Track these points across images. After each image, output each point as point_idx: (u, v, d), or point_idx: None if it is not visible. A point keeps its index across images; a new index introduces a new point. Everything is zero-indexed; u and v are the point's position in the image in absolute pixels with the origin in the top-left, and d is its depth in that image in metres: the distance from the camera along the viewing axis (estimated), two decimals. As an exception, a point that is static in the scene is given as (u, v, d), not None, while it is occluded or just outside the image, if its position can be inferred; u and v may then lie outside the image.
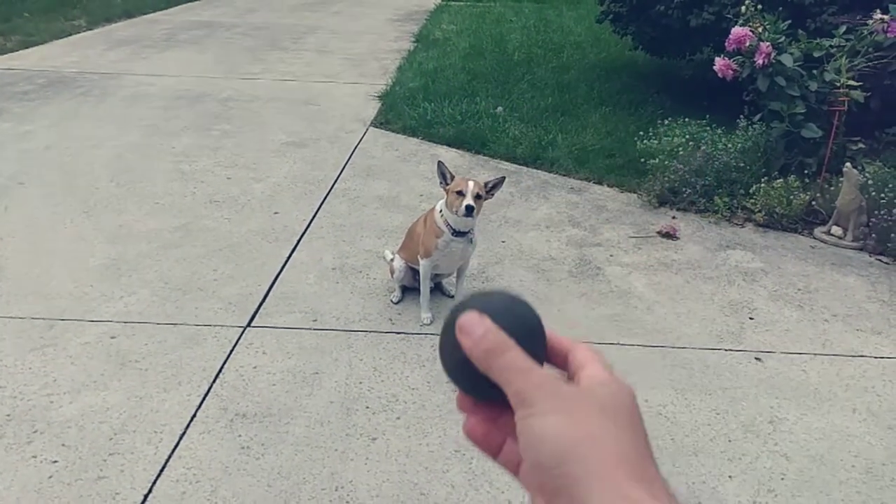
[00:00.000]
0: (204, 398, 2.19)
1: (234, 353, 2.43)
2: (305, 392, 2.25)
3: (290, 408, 2.17)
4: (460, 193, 2.48)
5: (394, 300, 2.82)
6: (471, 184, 2.49)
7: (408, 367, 2.41)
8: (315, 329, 2.60)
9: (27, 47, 7.19)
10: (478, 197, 2.49)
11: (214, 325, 2.58)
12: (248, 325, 2.60)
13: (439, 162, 2.58)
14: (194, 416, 2.11)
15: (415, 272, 2.76)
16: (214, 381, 2.28)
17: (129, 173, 4.02)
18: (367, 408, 2.19)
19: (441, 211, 2.58)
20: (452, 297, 2.86)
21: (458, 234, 2.57)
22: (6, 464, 1.90)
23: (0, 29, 7.94)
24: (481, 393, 0.42)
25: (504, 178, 2.65)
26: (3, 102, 5.27)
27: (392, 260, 2.86)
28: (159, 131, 4.75)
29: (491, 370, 0.39)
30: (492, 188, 2.57)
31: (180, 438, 2.02)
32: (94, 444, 1.98)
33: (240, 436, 2.05)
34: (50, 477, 1.86)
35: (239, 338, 2.52)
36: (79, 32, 8.14)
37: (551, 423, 0.35)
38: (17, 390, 2.19)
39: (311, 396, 2.23)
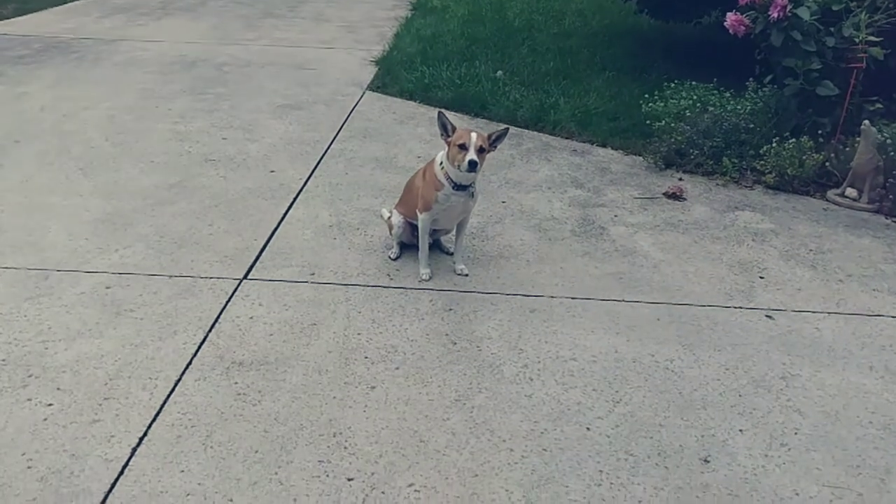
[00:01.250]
0: (199, 347, 2.16)
1: (230, 303, 2.39)
2: (303, 342, 2.22)
3: (288, 357, 2.14)
4: (462, 147, 2.40)
5: (392, 256, 2.77)
6: (473, 136, 2.41)
7: (406, 320, 2.37)
8: (312, 282, 2.56)
9: (23, 14, 7.06)
10: (481, 150, 2.41)
11: (210, 278, 2.54)
12: (245, 277, 2.56)
13: (440, 112, 2.51)
14: (189, 363, 2.08)
15: (413, 228, 2.70)
16: (210, 330, 2.24)
17: (124, 134, 3.96)
18: (366, 357, 2.16)
19: (441, 163, 2.51)
20: (451, 254, 2.81)
21: (459, 187, 2.50)
22: (1, 406, 1.87)
23: (-7, -4, 7.79)
24: None
25: (507, 128, 2.58)
26: (0, 66, 5.18)
27: (389, 217, 2.81)
28: (154, 94, 4.67)
29: None
30: (495, 140, 2.50)
31: (175, 385, 1.99)
32: (90, 389, 1.95)
33: (236, 383, 2.01)
34: (45, 419, 1.83)
35: (235, 289, 2.48)
36: (74, 0, 7.99)
37: None
38: (11, 336, 2.16)
39: (308, 346, 2.20)
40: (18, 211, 3.01)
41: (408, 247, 2.80)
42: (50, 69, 5.16)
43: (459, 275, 2.68)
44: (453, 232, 2.77)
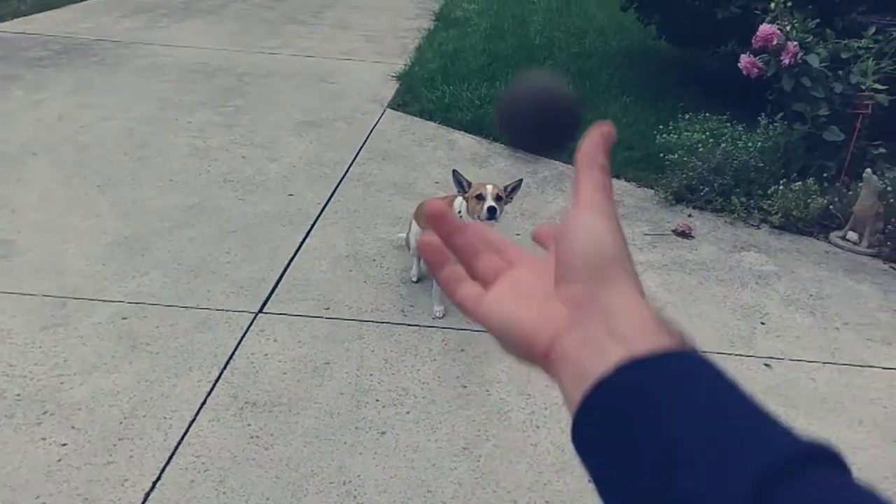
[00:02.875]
0: (214, 385, 2.19)
1: (245, 339, 2.42)
2: (316, 382, 2.24)
3: (301, 398, 2.17)
4: (480, 198, 2.46)
5: (413, 278, 2.82)
6: (489, 187, 2.48)
7: (419, 361, 2.39)
8: (327, 318, 2.59)
9: (41, 11, 7.12)
10: (498, 199, 2.47)
11: (226, 310, 2.57)
12: (260, 310, 2.59)
13: (454, 171, 2.57)
14: (204, 402, 2.11)
15: None
16: (225, 367, 2.27)
17: (143, 148, 3.99)
18: (377, 401, 2.19)
19: (460, 212, 2.55)
20: None
21: None
22: (16, 445, 1.91)
23: (15, -9, 7.86)
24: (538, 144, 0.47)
25: (521, 179, 2.62)
26: (18, 69, 5.23)
27: (407, 232, 2.85)
28: (174, 105, 4.71)
29: (586, 164, 0.42)
30: (511, 191, 2.55)
31: (190, 425, 2.02)
32: (104, 428, 1.98)
33: (249, 425, 2.04)
34: (59, 460, 1.87)
35: (250, 324, 2.51)
36: (94, -3, 8.04)
37: (609, 230, 0.39)
38: (27, 370, 2.19)
39: (321, 387, 2.23)
40: (37, 230, 3.05)
41: (425, 278, 2.83)
42: (68, 73, 5.21)
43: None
44: None
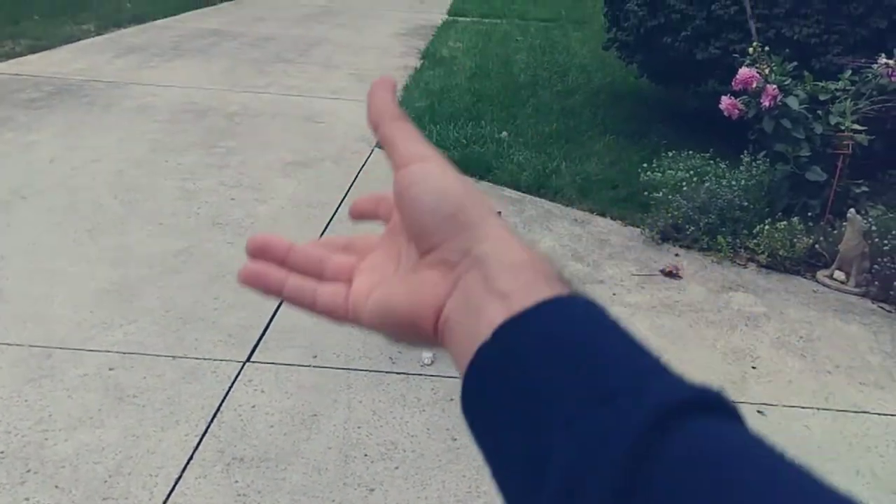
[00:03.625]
0: (201, 439, 2.17)
1: (232, 389, 2.41)
2: (303, 436, 2.23)
3: (288, 453, 2.16)
4: None
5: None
6: None
7: (407, 412, 2.39)
8: (315, 366, 2.59)
9: (35, 52, 7.18)
10: None
11: (214, 360, 2.56)
12: (248, 359, 2.59)
13: None
14: (191, 458, 2.09)
15: None
16: (212, 420, 2.26)
17: (133, 191, 4.01)
18: (366, 455, 2.18)
19: None
20: None
21: None
22: (-1, 505, 1.88)
23: (9, 32, 7.94)
24: None
25: (500, 212, 2.66)
26: (10, 110, 5.26)
27: None
28: (164, 147, 4.74)
29: (386, 120, 0.39)
30: None
31: (175, 483, 2.00)
32: (88, 487, 1.96)
33: (236, 482, 2.03)
34: (43, 521, 1.84)
35: (238, 373, 2.50)
36: (88, 37, 8.13)
37: (448, 175, 0.36)
38: (11, 425, 2.17)
39: (308, 441, 2.22)
40: (24, 277, 3.04)
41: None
42: (60, 114, 5.24)
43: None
44: None
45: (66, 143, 4.69)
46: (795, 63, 3.81)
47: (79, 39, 7.95)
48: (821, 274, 3.65)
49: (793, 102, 3.56)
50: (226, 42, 8.44)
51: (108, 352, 2.56)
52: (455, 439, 2.28)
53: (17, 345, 2.57)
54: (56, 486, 1.95)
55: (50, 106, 5.45)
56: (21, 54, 7.04)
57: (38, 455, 2.06)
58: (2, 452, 2.06)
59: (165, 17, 9.93)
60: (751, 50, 3.71)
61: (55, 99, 5.64)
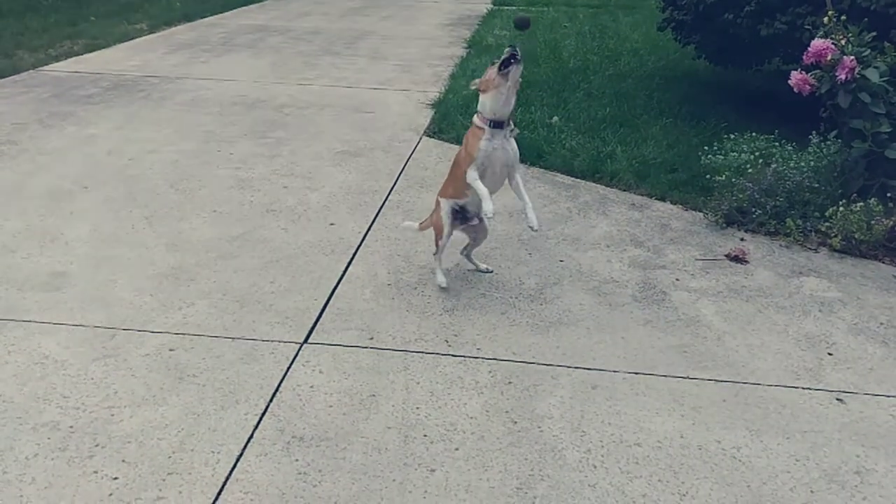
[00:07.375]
0: (261, 418, 2.16)
1: (291, 370, 2.40)
2: (362, 416, 2.20)
3: (348, 432, 2.12)
4: (493, 63, 2.77)
5: (442, 285, 2.93)
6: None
7: (465, 394, 2.33)
8: (371, 348, 2.55)
9: (92, 51, 7.41)
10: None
11: (272, 341, 2.56)
12: (305, 341, 2.57)
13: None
14: (251, 436, 2.08)
15: (461, 214, 2.89)
16: (271, 400, 2.25)
17: (187, 180, 4.07)
18: (425, 436, 2.13)
19: (479, 111, 2.76)
20: (489, 271, 3.12)
21: (496, 125, 2.71)
22: (69, 478, 1.90)
23: (68, 33, 8.23)
24: None
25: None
26: (71, 105, 5.43)
27: (431, 214, 3.00)
28: (216, 137, 4.80)
29: None
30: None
31: (237, 460, 1.99)
32: (154, 462, 1.97)
33: (297, 460, 2.00)
34: (110, 494, 1.86)
35: (296, 355, 2.48)
36: (141, 36, 8.36)
37: None
38: (80, 401, 2.20)
39: (367, 420, 2.18)
40: (88, 263, 3.10)
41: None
42: (117, 109, 5.38)
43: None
44: (477, 242, 3.06)
45: (124, 135, 4.81)
46: (874, 33, 3.56)
47: (133, 38, 8.18)
48: (901, 258, 3.42)
49: (872, 75, 3.32)
50: (272, 37, 8.54)
51: (168, 333, 2.59)
52: (515, 422, 2.20)
53: (83, 325, 2.62)
54: (123, 461, 1.97)
55: (107, 100, 5.60)
56: (79, 53, 7.27)
57: (105, 430, 2.08)
58: (71, 427, 2.09)
59: (213, 14, 10.13)
60: (826, 20, 3.49)
61: (112, 93, 5.79)
